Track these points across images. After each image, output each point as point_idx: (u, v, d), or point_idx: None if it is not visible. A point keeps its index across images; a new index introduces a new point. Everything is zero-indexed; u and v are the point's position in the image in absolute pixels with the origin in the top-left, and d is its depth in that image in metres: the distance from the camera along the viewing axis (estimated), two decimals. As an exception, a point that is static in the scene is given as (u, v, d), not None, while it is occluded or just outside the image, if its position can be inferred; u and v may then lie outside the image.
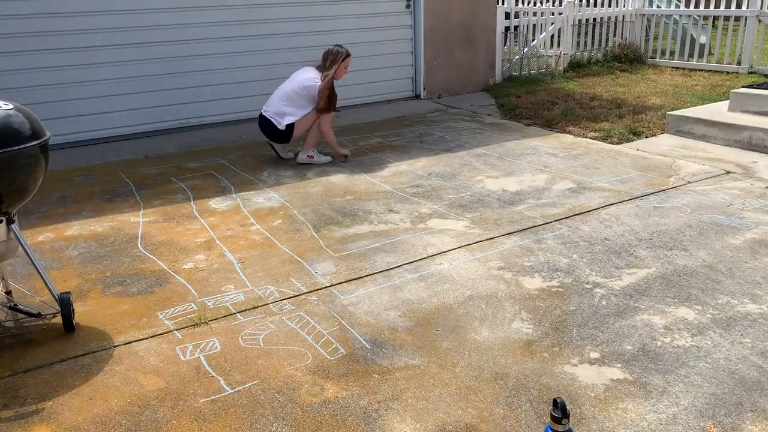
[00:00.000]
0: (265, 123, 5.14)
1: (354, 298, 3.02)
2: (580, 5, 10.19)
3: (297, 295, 3.06)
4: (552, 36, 9.47)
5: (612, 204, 4.11)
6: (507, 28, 8.88)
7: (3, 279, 2.94)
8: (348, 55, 5.11)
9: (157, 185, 4.77)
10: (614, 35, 10.01)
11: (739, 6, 9.00)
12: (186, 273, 3.32)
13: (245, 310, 2.93)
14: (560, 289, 3.05)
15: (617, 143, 5.62)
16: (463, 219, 3.95)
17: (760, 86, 5.82)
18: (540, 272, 3.23)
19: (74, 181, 4.93)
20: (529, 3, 10.38)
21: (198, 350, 2.63)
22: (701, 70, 9.14)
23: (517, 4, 9.63)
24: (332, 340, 2.68)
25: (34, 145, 2.58)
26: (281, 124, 5.04)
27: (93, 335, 2.76)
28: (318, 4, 6.92)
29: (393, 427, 2.16)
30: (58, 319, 2.79)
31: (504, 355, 2.55)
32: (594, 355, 2.53)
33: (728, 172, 4.70)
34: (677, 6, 10.98)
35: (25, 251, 2.73)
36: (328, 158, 5.20)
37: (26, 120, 2.59)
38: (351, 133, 6.23)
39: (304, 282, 3.19)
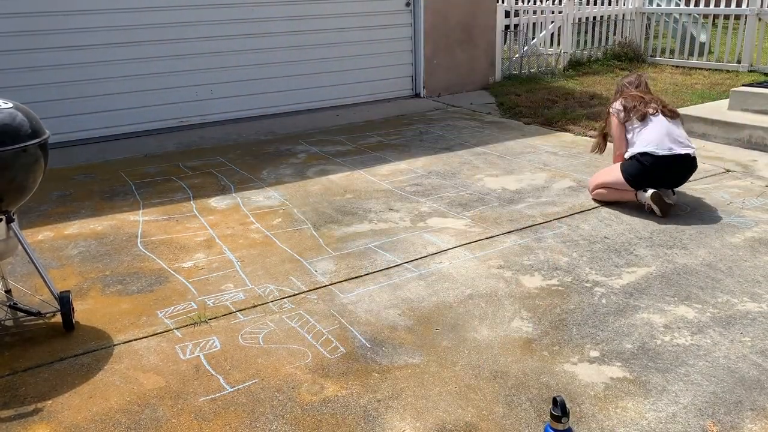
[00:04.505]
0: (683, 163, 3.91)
1: (354, 297, 3.02)
2: (580, 4, 10.18)
3: (297, 294, 3.06)
4: (552, 34, 9.46)
5: (612, 202, 4.10)
6: (507, 27, 8.87)
7: (3, 278, 2.94)
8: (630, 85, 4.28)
9: (156, 184, 4.77)
10: (614, 34, 10.00)
11: (739, 4, 8.99)
12: (186, 272, 3.32)
13: (245, 309, 2.93)
14: (560, 288, 3.05)
15: (617, 142, 5.61)
16: (462, 217, 3.95)
17: (760, 85, 5.82)
18: (540, 271, 3.23)
19: (74, 179, 4.92)
20: (529, 1, 10.37)
21: (198, 349, 2.63)
22: (701, 68, 9.12)
23: (517, 3, 9.62)
24: (332, 338, 2.68)
25: (33, 143, 2.57)
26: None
27: (93, 334, 2.76)
28: (318, 3, 6.92)
29: (393, 425, 2.16)
30: (58, 318, 2.79)
31: (504, 353, 2.55)
32: (594, 353, 2.53)
33: (728, 171, 4.70)
34: (677, 4, 10.98)
35: (25, 250, 2.73)
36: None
37: (26, 118, 2.59)
38: (350, 131, 6.22)
39: (303, 281, 3.19)
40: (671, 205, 3.89)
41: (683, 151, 3.82)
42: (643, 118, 3.94)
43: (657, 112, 3.94)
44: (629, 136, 4.00)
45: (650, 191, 3.82)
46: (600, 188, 4.10)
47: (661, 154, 3.79)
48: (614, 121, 4.08)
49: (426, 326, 2.76)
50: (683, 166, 3.87)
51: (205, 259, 3.47)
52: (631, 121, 3.99)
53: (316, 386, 2.37)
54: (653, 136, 3.86)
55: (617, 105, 4.08)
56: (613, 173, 4.00)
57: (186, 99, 6.44)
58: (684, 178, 3.96)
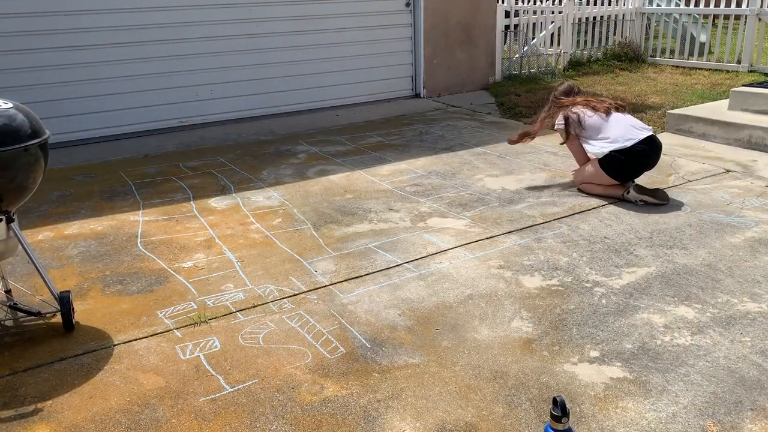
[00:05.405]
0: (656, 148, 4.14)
1: (354, 297, 3.02)
2: (580, 4, 10.18)
3: (297, 294, 3.06)
4: (552, 34, 9.46)
5: (612, 202, 4.11)
6: (507, 27, 8.87)
7: (3, 278, 2.94)
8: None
9: (156, 184, 4.77)
10: (614, 34, 10.00)
11: (739, 4, 8.99)
12: (186, 272, 3.32)
13: (245, 309, 2.93)
14: (560, 288, 3.05)
15: (617, 142, 5.61)
16: (462, 218, 3.95)
17: (760, 85, 5.82)
18: (540, 271, 3.23)
19: (74, 179, 4.93)
20: (529, 1, 10.37)
21: (198, 349, 2.63)
22: (701, 68, 9.12)
23: (517, 3, 9.62)
24: (332, 338, 2.68)
25: (33, 143, 2.57)
26: None
27: (93, 334, 2.76)
28: (318, 3, 6.92)
29: (393, 425, 2.16)
30: (58, 318, 2.80)
31: (504, 353, 2.55)
32: (594, 353, 2.53)
33: (728, 171, 4.70)
34: (677, 4, 10.98)
35: (25, 250, 2.73)
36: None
37: (26, 119, 2.59)
38: (350, 131, 6.22)
39: (303, 281, 3.19)
40: (657, 189, 4.10)
41: (647, 134, 4.05)
42: (607, 112, 4.14)
43: (611, 109, 4.17)
44: (588, 133, 4.15)
45: (631, 191, 4.02)
46: (587, 183, 4.27)
47: (629, 146, 3.99)
48: (566, 135, 4.26)
49: (426, 326, 2.76)
50: (652, 145, 4.07)
51: (205, 259, 3.47)
52: (584, 127, 4.14)
53: (316, 386, 2.37)
54: (619, 132, 4.05)
55: (567, 118, 4.21)
56: (597, 175, 4.14)
57: (186, 99, 6.44)
58: (657, 155, 4.14)
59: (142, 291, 3.14)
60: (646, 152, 4.04)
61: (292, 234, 3.78)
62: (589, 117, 4.15)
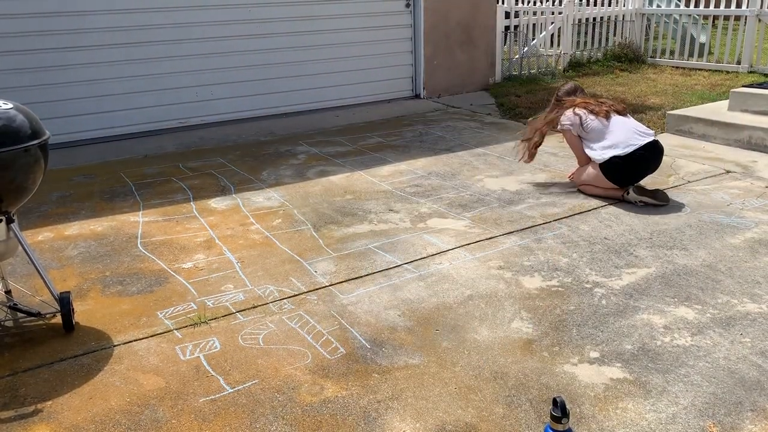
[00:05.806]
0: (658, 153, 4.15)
1: (354, 298, 3.02)
2: (580, 4, 10.18)
3: (297, 295, 3.06)
4: (552, 35, 9.47)
5: (612, 203, 4.11)
6: (507, 28, 8.88)
7: (3, 278, 2.94)
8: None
9: (156, 185, 4.77)
10: (614, 35, 10.00)
11: (739, 5, 8.99)
12: (185, 272, 3.32)
13: (245, 310, 2.93)
14: (560, 289, 3.05)
15: (617, 143, 5.61)
16: (462, 218, 3.95)
17: (759, 86, 5.82)
18: (540, 272, 3.23)
19: (74, 180, 4.93)
20: (529, 2, 10.37)
21: (198, 350, 2.63)
22: (701, 69, 9.13)
23: (517, 4, 9.62)
24: (332, 339, 2.68)
25: (33, 144, 2.58)
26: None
27: (92, 335, 2.76)
28: (318, 4, 6.92)
29: (393, 426, 2.16)
30: (58, 319, 2.80)
31: (504, 354, 2.55)
32: (594, 354, 2.53)
33: (728, 172, 4.70)
34: (677, 5, 10.98)
35: (25, 251, 2.73)
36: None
37: (26, 119, 2.59)
38: (350, 132, 6.23)
39: (303, 281, 3.19)
40: (657, 190, 4.12)
41: (648, 140, 4.05)
42: (607, 116, 4.15)
43: (611, 112, 4.19)
44: (590, 137, 4.16)
45: (631, 192, 4.03)
46: (587, 185, 4.27)
47: (630, 152, 4.00)
48: (569, 136, 4.28)
49: (426, 327, 2.76)
50: (654, 151, 4.09)
51: (205, 259, 3.47)
52: (586, 130, 4.16)
53: (316, 387, 2.38)
54: (620, 137, 4.07)
55: (569, 119, 4.22)
56: (598, 178, 4.14)
57: (186, 100, 6.44)
58: (659, 160, 4.15)
59: (142, 292, 3.14)
60: (646, 158, 4.05)
61: (292, 235, 3.78)
62: (591, 120, 4.16)
